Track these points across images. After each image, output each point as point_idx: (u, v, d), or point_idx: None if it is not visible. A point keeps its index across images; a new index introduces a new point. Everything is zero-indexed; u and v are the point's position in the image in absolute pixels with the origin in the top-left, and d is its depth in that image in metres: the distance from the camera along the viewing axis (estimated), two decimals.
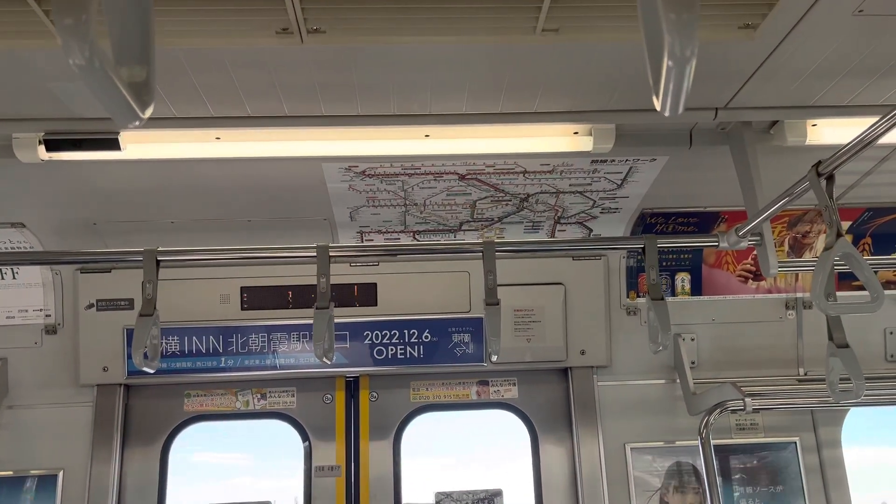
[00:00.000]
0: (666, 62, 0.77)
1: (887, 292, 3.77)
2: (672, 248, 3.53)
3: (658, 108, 0.87)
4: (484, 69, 2.31)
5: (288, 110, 2.53)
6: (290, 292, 3.68)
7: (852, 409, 3.73)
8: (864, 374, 2.34)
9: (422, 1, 1.97)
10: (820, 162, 2.13)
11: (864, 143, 1.92)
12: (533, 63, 2.28)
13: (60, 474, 3.55)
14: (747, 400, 3.26)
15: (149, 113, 0.84)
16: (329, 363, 2.58)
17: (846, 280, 3.56)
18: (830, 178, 2.10)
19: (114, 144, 2.63)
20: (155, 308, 2.53)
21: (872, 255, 3.67)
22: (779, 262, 2.65)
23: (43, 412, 3.62)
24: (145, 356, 2.49)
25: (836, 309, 2.18)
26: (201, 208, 3.30)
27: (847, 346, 2.35)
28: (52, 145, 2.61)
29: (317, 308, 2.55)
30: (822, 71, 2.37)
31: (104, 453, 3.57)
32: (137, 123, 0.83)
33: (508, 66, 2.30)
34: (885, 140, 2.47)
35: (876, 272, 3.68)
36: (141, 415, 3.70)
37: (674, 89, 0.81)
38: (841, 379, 2.42)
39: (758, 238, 2.65)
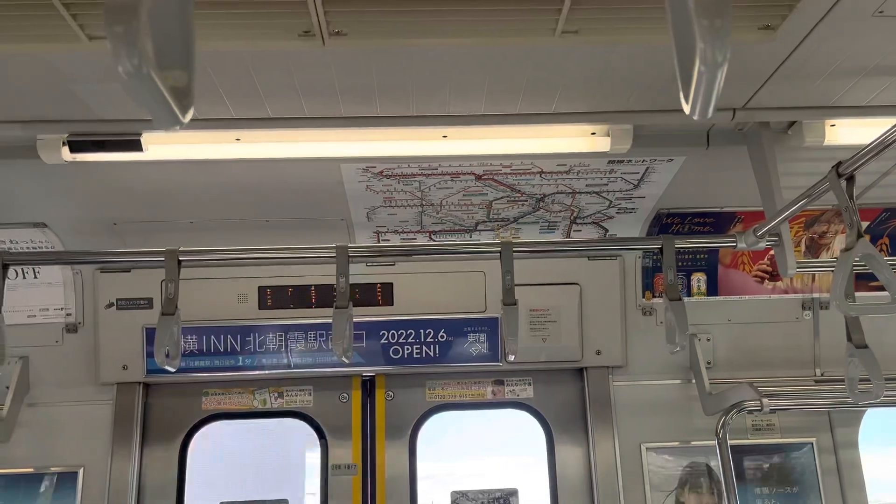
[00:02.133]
0: (697, 67, 0.78)
1: None
2: (689, 248, 3.53)
3: (687, 111, 0.88)
4: (503, 70, 2.32)
5: (308, 111, 2.55)
6: (307, 292, 3.70)
7: (868, 410, 3.72)
8: (884, 374, 2.34)
9: (442, 3, 1.98)
10: (840, 162, 2.13)
11: (886, 144, 1.92)
12: (552, 64, 2.29)
13: (81, 471, 3.60)
14: (765, 400, 3.26)
15: (189, 117, 0.86)
16: (348, 362, 2.60)
17: (863, 281, 3.54)
18: (851, 179, 2.10)
19: (136, 146, 2.66)
20: (177, 307, 2.56)
21: (890, 255, 3.66)
22: (797, 262, 2.64)
23: (63, 410, 3.66)
24: (167, 355, 2.52)
25: (856, 310, 2.18)
26: (219, 209, 3.33)
27: (866, 346, 2.35)
28: (75, 146, 2.65)
29: (336, 307, 2.57)
30: (842, 71, 2.37)
31: (124, 451, 3.61)
32: (178, 128, 0.85)
33: (527, 67, 2.31)
34: None
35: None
36: (160, 413, 3.73)
37: (704, 94, 0.82)
38: (860, 379, 2.42)
39: (776, 238, 2.65)
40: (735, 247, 2.72)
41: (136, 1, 0.71)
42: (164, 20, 0.80)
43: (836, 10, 2.01)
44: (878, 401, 2.39)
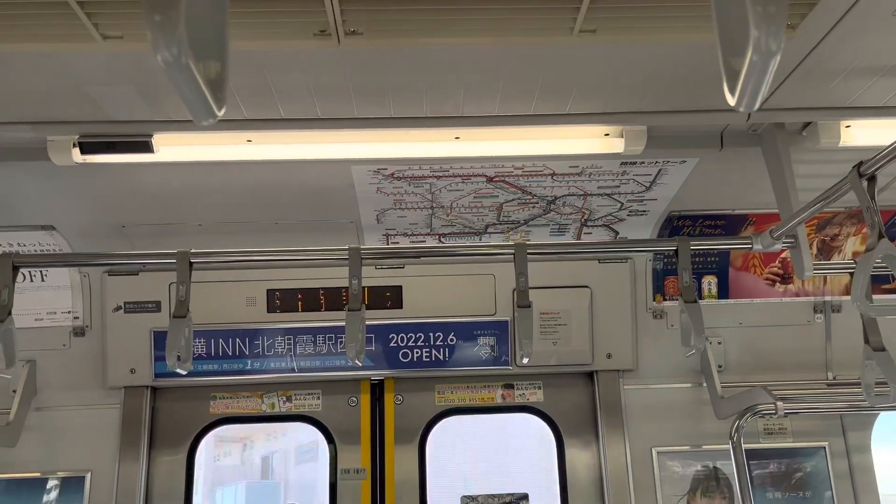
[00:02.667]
0: (749, 56, 0.76)
1: None
2: (704, 250, 3.51)
3: (733, 103, 0.86)
4: (518, 70, 2.31)
5: (320, 112, 2.54)
6: (316, 295, 3.68)
7: (881, 413, 3.69)
8: None
9: (459, 2, 1.97)
10: (862, 163, 2.11)
11: None
12: (567, 64, 2.27)
13: (88, 476, 3.57)
14: (779, 404, 3.23)
15: (223, 111, 0.85)
16: (361, 364, 2.58)
17: (876, 284, 3.53)
18: (872, 179, 2.08)
19: (147, 147, 2.64)
20: (188, 310, 2.54)
21: None
22: (814, 264, 2.62)
23: (71, 414, 3.64)
24: (178, 358, 2.50)
25: (877, 311, 2.16)
26: (228, 211, 3.32)
27: (884, 349, 2.33)
28: (86, 148, 2.63)
29: (349, 310, 2.55)
30: (859, 71, 2.35)
31: (131, 455, 3.58)
32: (212, 121, 0.83)
33: (543, 67, 2.29)
34: None
35: None
36: (168, 417, 3.71)
37: (754, 84, 0.80)
38: (876, 383, 2.40)
39: (792, 240, 2.63)
40: (751, 248, 2.70)
41: None
42: (200, 11, 0.78)
43: (855, 9, 2.00)
44: (894, 404, 2.37)
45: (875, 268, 2.19)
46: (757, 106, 0.84)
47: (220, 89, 0.82)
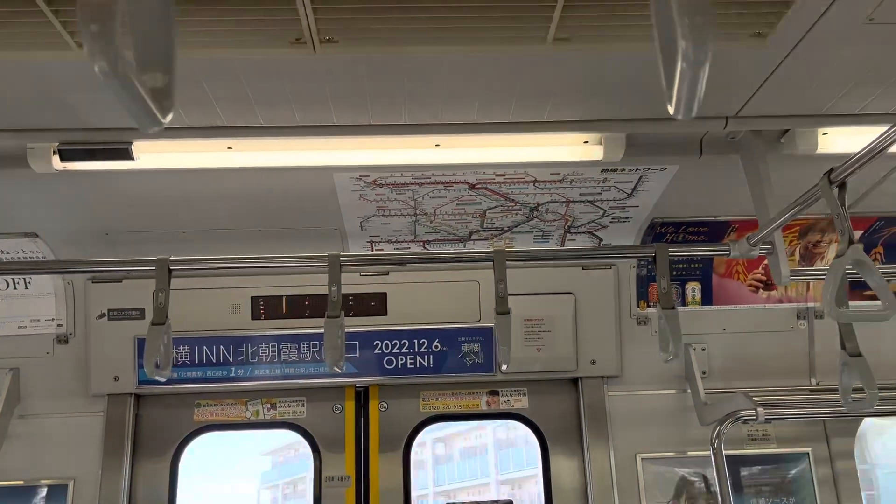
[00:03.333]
0: (679, 66, 0.78)
1: None
2: (683, 257, 3.52)
3: (671, 112, 0.87)
4: (495, 78, 2.32)
5: (300, 120, 2.55)
6: (301, 302, 3.69)
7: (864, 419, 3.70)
8: (877, 383, 2.33)
9: (433, 11, 1.98)
10: (832, 170, 2.13)
11: (877, 151, 1.92)
12: (543, 72, 2.29)
13: (71, 484, 3.56)
14: (759, 410, 3.24)
15: (169, 118, 0.85)
16: (340, 371, 2.58)
17: (859, 290, 3.54)
18: (842, 186, 2.10)
19: (127, 154, 2.65)
20: (167, 317, 2.54)
21: (885, 264, 3.66)
22: (791, 270, 2.64)
23: (54, 422, 3.63)
24: (157, 365, 2.50)
25: (847, 317, 2.17)
26: (212, 218, 3.32)
27: (860, 355, 2.34)
28: (66, 155, 2.63)
29: (328, 317, 2.55)
30: (834, 79, 2.37)
31: (115, 463, 3.57)
32: (158, 129, 0.84)
33: (519, 75, 2.31)
34: None
35: (889, 281, 3.68)
36: (151, 424, 3.70)
37: (687, 93, 0.81)
38: (854, 389, 2.41)
39: (769, 247, 2.64)
40: (729, 255, 2.72)
41: (112, 0, 0.70)
42: (143, 20, 0.79)
43: (826, 18, 2.02)
44: (872, 410, 2.38)
45: (849, 274, 2.21)
46: (694, 114, 0.85)
47: (165, 97, 0.83)
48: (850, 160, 2.03)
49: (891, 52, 2.21)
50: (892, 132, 1.85)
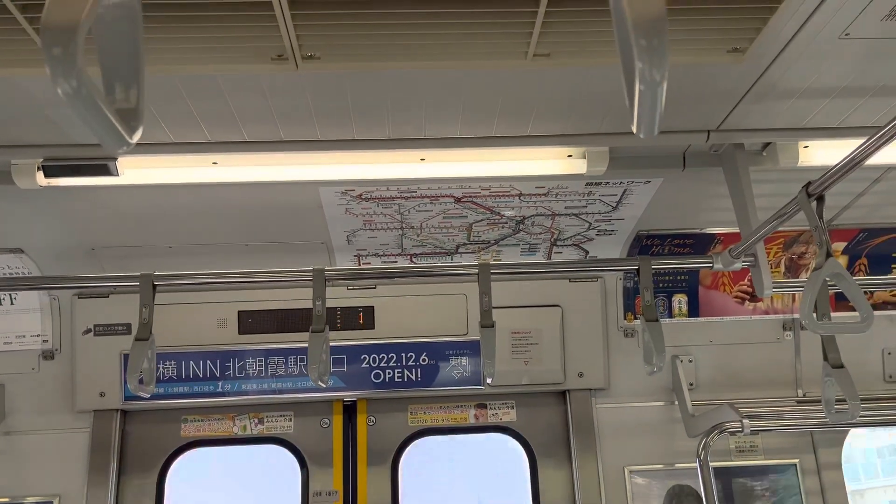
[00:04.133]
0: (637, 86, 0.79)
1: (883, 313, 3.81)
2: (668, 269, 3.54)
3: (634, 130, 0.89)
4: (477, 93, 2.34)
5: (284, 135, 2.56)
6: (288, 316, 3.68)
7: (852, 430, 3.72)
8: (862, 395, 2.34)
9: (414, 28, 2.00)
10: (810, 183, 2.15)
11: (853, 164, 1.94)
12: (525, 87, 2.31)
13: (56, 501, 3.54)
14: (745, 421, 3.25)
15: (137, 138, 0.86)
16: (325, 386, 2.58)
17: (844, 301, 3.55)
18: (821, 199, 2.11)
19: (111, 170, 2.65)
20: (151, 332, 2.54)
21: (869, 275, 3.68)
22: (773, 282, 2.65)
23: (40, 438, 3.61)
24: (140, 381, 2.49)
25: (825, 329, 2.18)
26: (199, 232, 3.32)
27: (842, 366, 2.35)
28: (50, 171, 2.64)
29: (312, 331, 2.55)
30: (812, 93, 2.40)
31: (100, 480, 3.55)
32: (125, 149, 0.85)
33: (501, 91, 2.33)
34: (877, 161, 2.50)
35: (873, 293, 3.71)
36: (137, 440, 3.68)
37: (647, 112, 0.83)
38: (837, 400, 2.42)
39: (752, 259, 2.66)
40: (712, 267, 2.73)
41: (75, 23, 0.71)
42: (109, 42, 0.80)
43: (802, 33, 2.04)
44: (854, 421, 2.39)
45: (831, 286, 2.23)
46: (655, 133, 0.87)
47: (133, 117, 0.84)
48: (826, 173, 2.05)
49: (866, 66, 2.23)
50: (867, 144, 1.87)
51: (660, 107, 0.83)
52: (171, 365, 3.63)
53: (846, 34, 2.05)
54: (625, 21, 0.78)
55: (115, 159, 2.63)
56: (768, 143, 2.81)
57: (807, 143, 2.75)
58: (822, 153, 2.78)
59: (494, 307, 2.63)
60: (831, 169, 2.02)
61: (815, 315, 2.11)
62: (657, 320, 2.52)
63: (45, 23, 0.73)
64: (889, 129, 1.79)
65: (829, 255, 2.04)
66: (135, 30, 0.84)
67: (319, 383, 2.51)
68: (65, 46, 0.71)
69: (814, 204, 2.11)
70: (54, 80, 0.75)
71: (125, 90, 0.83)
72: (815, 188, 2.08)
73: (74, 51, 0.72)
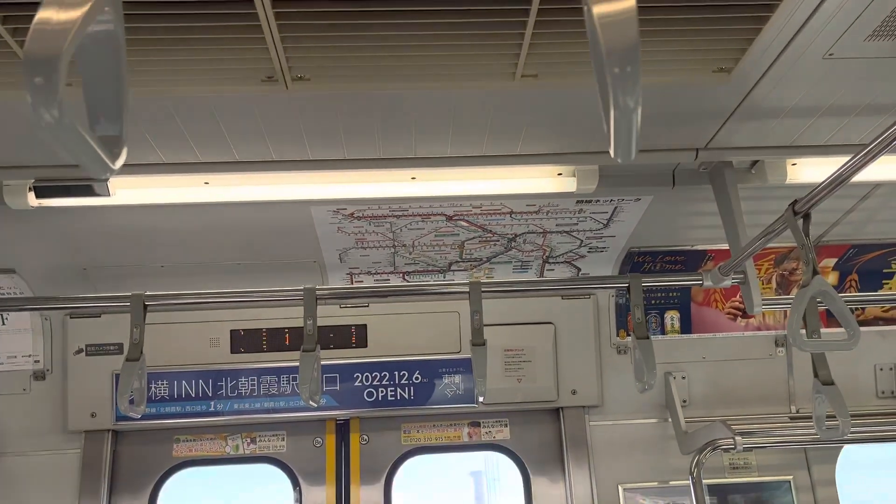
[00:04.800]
0: (612, 113, 0.81)
1: (875, 328, 3.83)
2: (656, 286, 3.55)
3: (612, 154, 0.90)
4: (466, 113, 2.36)
5: (275, 155, 2.57)
6: (280, 335, 3.68)
7: (846, 446, 3.71)
8: (854, 410, 2.34)
9: (403, 49, 2.01)
10: (796, 201, 2.16)
11: (838, 182, 1.96)
12: (514, 107, 2.33)
13: None
14: (738, 438, 3.25)
15: (120, 163, 0.87)
16: (315, 406, 2.58)
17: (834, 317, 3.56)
18: (807, 217, 2.13)
19: (103, 190, 2.66)
20: (142, 353, 2.54)
21: (860, 290, 3.70)
22: (763, 299, 2.66)
23: (31, 460, 3.58)
24: (131, 401, 2.49)
25: (811, 347, 2.19)
26: (191, 252, 3.32)
27: (832, 383, 2.36)
28: (41, 192, 2.64)
29: (303, 351, 2.55)
30: (799, 112, 2.42)
31: (92, 501, 3.53)
32: (108, 175, 0.85)
33: (490, 111, 2.34)
34: (865, 178, 2.53)
35: (863, 309, 3.72)
36: (129, 461, 3.66)
37: (623, 138, 0.84)
38: (828, 416, 2.42)
39: (741, 276, 2.67)
40: (702, 285, 2.74)
41: (57, 53, 0.72)
42: (93, 68, 0.81)
43: (787, 54, 2.07)
44: (846, 438, 2.39)
45: (820, 303, 2.23)
46: (632, 157, 0.88)
47: (115, 143, 0.84)
48: (812, 192, 2.07)
49: (852, 85, 2.26)
50: (852, 162, 1.89)
51: (635, 132, 0.84)
52: (163, 384, 3.62)
53: (830, 54, 2.07)
54: (599, 49, 0.79)
55: (107, 180, 2.63)
56: (756, 161, 2.83)
57: (795, 160, 2.77)
58: (811, 170, 2.80)
59: (487, 324, 2.64)
60: (816, 187, 2.04)
61: (802, 332, 2.11)
62: (648, 338, 2.52)
63: (27, 52, 0.74)
64: (872, 147, 1.80)
65: (815, 272, 2.05)
66: (118, 57, 0.85)
67: (311, 403, 2.51)
68: (46, 77, 0.72)
69: (800, 221, 2.13)
70: (35, 110, 0.75)
71: (108, 117, 0.84)
72: (801, 206, 2.10)
73: (56, 81, 0.72)
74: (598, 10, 0.80)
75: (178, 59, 1.99)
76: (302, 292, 2.63)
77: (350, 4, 1.83)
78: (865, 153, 1.84)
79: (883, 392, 3.83)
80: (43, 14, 0.75)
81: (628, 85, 0.78)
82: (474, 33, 1.94)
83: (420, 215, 3.17)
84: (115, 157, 0.84)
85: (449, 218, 3.21)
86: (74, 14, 0.73)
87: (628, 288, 2.66)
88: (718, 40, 2.01)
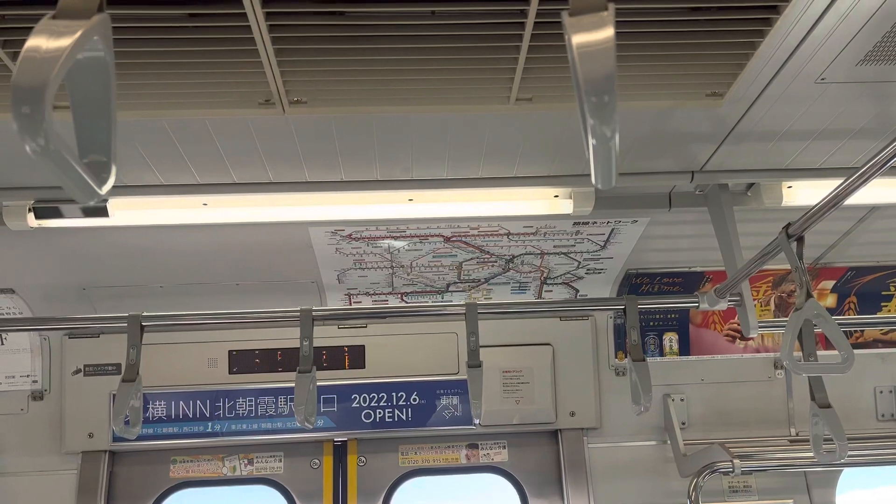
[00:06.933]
0: (590, 142, 0.82)
1: (874, 351, 3.81)
2: (653, 308, 3.55)
3: (593, 181, 0.91)
4: (462, 136, 2.38)
5: (273, 177, 2.59)
6: (278, 356, 3.68)
7: (845, 469, 3.69)
8: (854, 433, 2.33)
9: (399, 73, 2.04)
10: (790, 224, 2.17)
11: (832, 205, 1.97)
12: (509, 130, 2.35)
13: None
14: (736, 461, 3.23)
15: (107, 188, 0.88)
16: (311, 427, 2.57)
17: None
18: (800, 240, 2.13)
19: (102, 211, 2.68)
20: (138, 373, 2.54)
21: (859, 313, 3.69)
22: (760, 321, 2.66)
23: (27, 480, 3.57)
24: (126, 422, 2.48)
25: (805, 370, 2.19)
26: (190, 273, 3.34)
27: (829, 406, 2.35)
28: (41, 213, 2.66)
29: (299, 372, 2.55)
30: (793, 135, 2.44)
31: None
32: (96, 200, 0.87)
33: (486, 133, 2.36)
34: (860, 201, 2.54)
35: (863, 332, 3.71)
36: (126, 482, 3.65)
37: (603, 165, 0.85)
38: (826, 439, 2.41)
39: (738, 298, 2.67)
40: (698, 307, 2.74)
41: (44, 82, 0.74)
42: (81, 95, 0.82)
43: (779, 78, 2.09)
44: (844, 461, 2.38)
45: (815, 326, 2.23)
46: (613, 184, 0.89)
47: (104, 168, 0.86)
48: (805, 215, 2.08)
49: (844, 109, 2.27)
50: (844, 187, 1.90)
51: (614, 159, 0.85)
52: (160, 405, 3.61)
53: (822, 79, 2.09)
54: (578, 79, 0.81)
55: (107, 200, 2.65)
56: (752, 184, 2.84)
57: (790, 183, 2.78)
58: (806, 192, 2.81)
59: (485, 346, 2.64)
60: (810, 210, 2.05)
61: (796, 355, 2.11)
62: (644, 360, 2.52)
63: (15, 81, 0.76)
64: (865, 170, 1.81)
65: (809, 295, 2.05)
66: (107, 83, 0.87)
67: (306, 424, 2.50)
68: (33, 106, 0.74)
69: (794, 244, 2.13)
70: (22, 138, 0.77)
71: (97, 142, 0.85)
72: (795, 229, 2.11)
73: (42, 110, 0.74)
74: (576, 40, 0.82)
75: (176, 83, 2.01)
76: (299, 313, 2.64)
77: (347, 29, 1.85)
78: (858, 176, 1.85)
79: (883, 415, 3.80)
80: (32, 42, 0.77)
81: (605, 114, 0.79)
82: (470, 58, 1.97)
83: (418, 236, 3.18)
84: (102, 181, 0.85)
85: (447, 239, 3.22)
86: (63, 43, 0.74)
87: (624, 310, 2.66)
88: (711, 65, 2.03)
